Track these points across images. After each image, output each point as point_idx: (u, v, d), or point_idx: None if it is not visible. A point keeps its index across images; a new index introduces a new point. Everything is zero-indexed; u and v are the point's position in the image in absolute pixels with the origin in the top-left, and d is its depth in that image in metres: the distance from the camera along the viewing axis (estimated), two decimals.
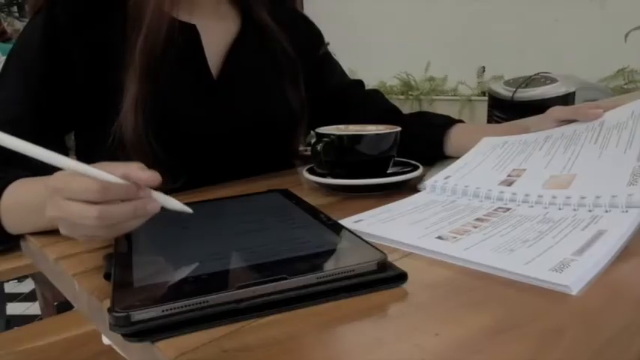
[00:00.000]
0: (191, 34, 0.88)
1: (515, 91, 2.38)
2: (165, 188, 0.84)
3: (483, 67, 3.32)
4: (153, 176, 0.51)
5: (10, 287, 2.72)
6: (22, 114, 0.81)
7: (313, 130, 0.89)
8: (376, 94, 1.13)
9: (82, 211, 0.48)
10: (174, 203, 0.54)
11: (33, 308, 2.54)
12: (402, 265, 0.48)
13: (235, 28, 0.97)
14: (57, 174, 0.51)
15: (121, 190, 0.49)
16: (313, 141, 0.79)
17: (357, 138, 0.78)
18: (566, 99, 2.28)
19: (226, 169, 0.91)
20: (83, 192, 0.48)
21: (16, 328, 1.19)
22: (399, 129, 0.81)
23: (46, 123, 0.83)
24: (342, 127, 0.85)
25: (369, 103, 1.09)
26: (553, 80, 2.34)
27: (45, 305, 1.67)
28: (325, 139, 0.78)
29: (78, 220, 0.49)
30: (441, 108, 3.44)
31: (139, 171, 0.50)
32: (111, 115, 0.84)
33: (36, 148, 0.49)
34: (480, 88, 3.29)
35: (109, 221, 0.49)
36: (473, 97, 3.31)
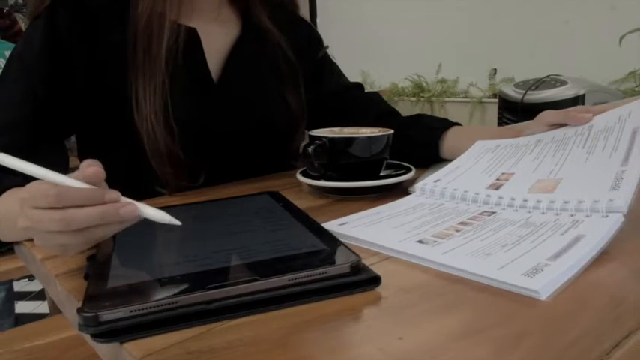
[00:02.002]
0: (192, 37, 0.89)
1: (525, 94, 2.36)
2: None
3: (495, 69, 3.30)
4: (96, 171, 0.50)
5: (20, 286, 2.75)
6: (23, 117, 0.82)
7: None
8: (375, 97, 1.13)
9: (45, 215, 0.48)
10: (160, 215, 0.50)
11: (42, 307, 2.57)
12: (380, 268, 0.49)
13: (236, 32, 0.98)
14: (28, 185, 0.51)
15: (81, 194, 0.48)
16: (305, 143, 0.80)
17: (348, 141, 0.78)
18: (576, 101, 2.26)
19: (226, 171, 0.92)
20: (43, 198, 0.48)
21: (16, 326, 1.21)
22: (391, 132, 0.81)
23: (47, 126, 0.84)
24: (336, 129, 0.86)
25: (368, 106, 1.09)
26: (563, 82, 2.32)
27: (53, 304, 1.69)
28: (317, 141, 0.78)
29: (43, 226, 0.48)
30: (453, 110, 3.44)
31: (86, 168, 0.50)
32: (112, 118, 0.85)
33: (11, 159, 0.50)
34: (491, 90, 3.27)
35: (74, 225, 0.48)
36: (484, 99, 3.30)
